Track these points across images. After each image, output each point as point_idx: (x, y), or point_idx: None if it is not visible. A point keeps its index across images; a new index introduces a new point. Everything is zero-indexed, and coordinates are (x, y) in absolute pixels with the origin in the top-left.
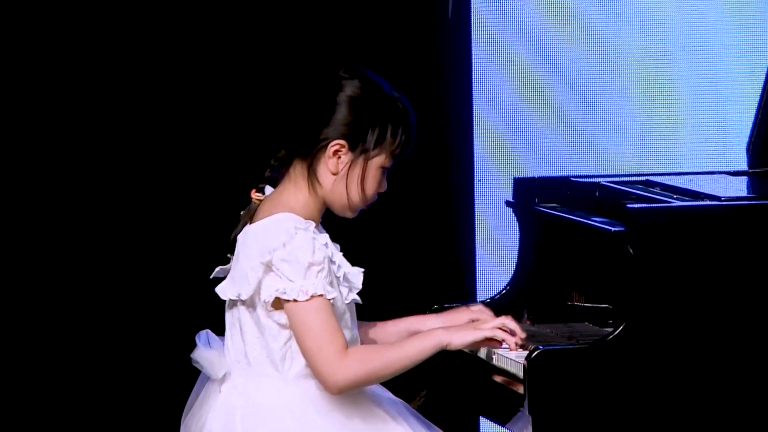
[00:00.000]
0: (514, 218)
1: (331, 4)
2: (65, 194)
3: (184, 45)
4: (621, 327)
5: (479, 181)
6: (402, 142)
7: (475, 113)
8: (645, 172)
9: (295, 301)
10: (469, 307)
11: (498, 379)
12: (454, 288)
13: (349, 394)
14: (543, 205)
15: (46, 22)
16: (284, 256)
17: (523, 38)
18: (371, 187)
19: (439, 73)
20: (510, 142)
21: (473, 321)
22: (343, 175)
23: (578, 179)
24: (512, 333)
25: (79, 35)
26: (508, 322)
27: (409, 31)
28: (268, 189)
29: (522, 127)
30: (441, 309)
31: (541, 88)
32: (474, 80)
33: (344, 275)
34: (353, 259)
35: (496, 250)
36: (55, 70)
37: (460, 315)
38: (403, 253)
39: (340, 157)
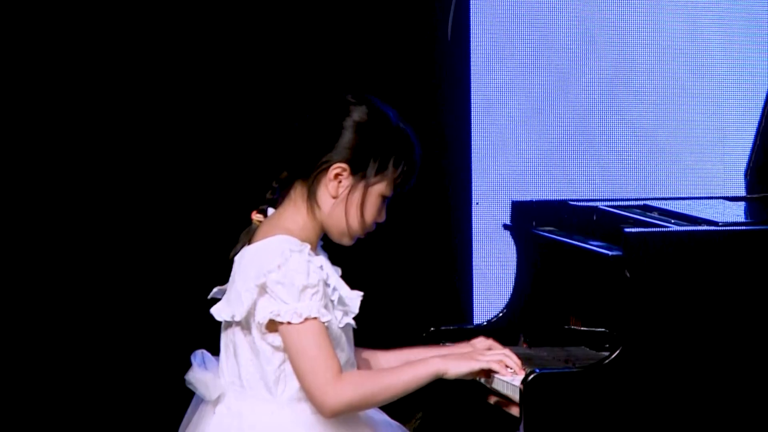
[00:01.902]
0: (511, 241)
1: (332, 28)
2: (66, 211)
3: (190, 63)
4: (617, 351)
5: (477, 204)
6: (404, 172)
7: (473, 136)
8: (643, 196)
9: (288, 323)
10: (473, 342)
11: (494, 401)
12: (451, 310)
13: (344, 417)
14: (541, 228)
15: (46, 22)
16: (279, 278)
17: (522, 60)
18: (370, 214)
19: (438, 94)
20: (508, 166)
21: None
22: (342, 200)
23: (576, 203)
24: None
25: (87, 47)
26: (505, 358)
27: (408, 53)
28: (271, 211)
29: (520, 151)
30: (438, 332)
31: (539, 111)
32: (472, 102)
33: (340, 298)
34: (350, 281)
35: (494, 273)
36: (56, 73)
37: (462, 349)
38: (400, 275)
39: (340, 181)
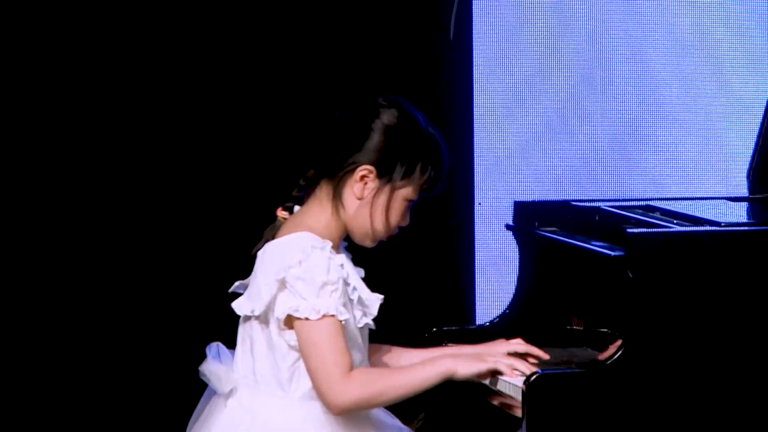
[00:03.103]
0: (514, 242)
1: (335, 28)
2: (86, 205)
3: (215, 63)
4: (620, 352)
5: (479, 204)
6: (431, 178)
7: (475, 136)
8: (645, 196)
9: (306, 319)
10: (509, 340)
11: (496, 402)
12: (453, 311)
13: (354, 418)
14: (543, 228)
15: (48, 22)
16: (299, 273)
17: (524, 61)
18: (394, 217)
19: (441, 95)
20: (510, 166)
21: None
22: (367, 202)
23: (578, 203)
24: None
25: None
26: (516, 362)
27: (410, 53)
28: (297, 208)
29: (522, 151)
30: (440, 332)
31: (541, 111)
32: (475, 103)
33: (359, 298)
34: None
35: (496, 274)
36: (71, 74)
37: (497, 347)
38: (402, 276)
39: (366, 183)
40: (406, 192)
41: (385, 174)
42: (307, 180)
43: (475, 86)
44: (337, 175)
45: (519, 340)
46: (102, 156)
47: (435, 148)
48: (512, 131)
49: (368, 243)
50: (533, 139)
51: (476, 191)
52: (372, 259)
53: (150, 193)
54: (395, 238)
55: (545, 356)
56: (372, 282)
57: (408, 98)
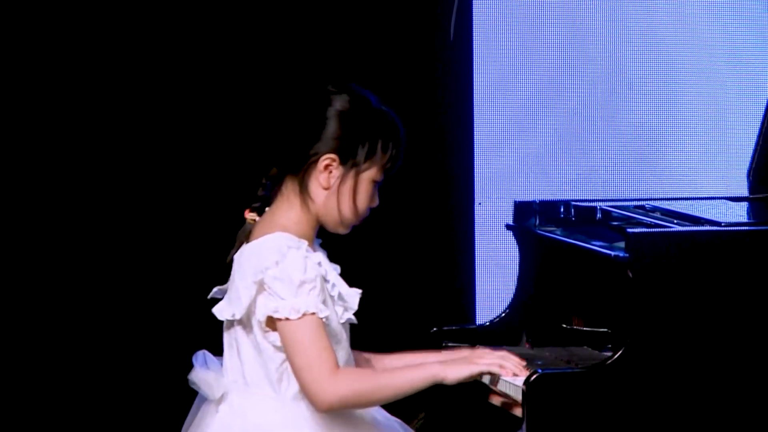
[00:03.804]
0: (514, 241)
1: (335, 28)
2: (68, 216)
3: (178, 64)
4: (620, 351)
5: (479, 204)
6: (392, 155)
7: (475, 136)
8: (645, 196)
9: (287, 319)
10: (473, 348)
11: (497, 402)
12: (453, 311)
13: (347, 415)
14: (543, 228)
15: (46, 22)
16: (276, 274)
17: (524, 60)
18: (363, 201)
19: (441, 95)
20: (510, 166)
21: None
22: (335, 190)
23: (579, 203)
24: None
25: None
26: (505, 361)
27: (410, 53)
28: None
29: (523, 151)
30: (440, 332)
31: (542, 111)
32: (475, 103)
33: (339, 294)
34: (352, 281)
35: (496, 274)
36: (55, 73)
37: (460, 353)
38: (402, 275)
39: (331, 172)
40: (370, 173)
41: (347, 159)
42: (271, 178)
43: (475, 86)
44: (300, 169)
45: (504, 353)
46: (79, 165)
47: (391, 125)
48: (512, 131)
49: (342, 230)
50: (533, 138)
51: (476, 191)
52: (372, 258)
53: (120, 205)
54: (396, 239)
55: (521, 373)
56: (372, 281)
57: (408, 98)
